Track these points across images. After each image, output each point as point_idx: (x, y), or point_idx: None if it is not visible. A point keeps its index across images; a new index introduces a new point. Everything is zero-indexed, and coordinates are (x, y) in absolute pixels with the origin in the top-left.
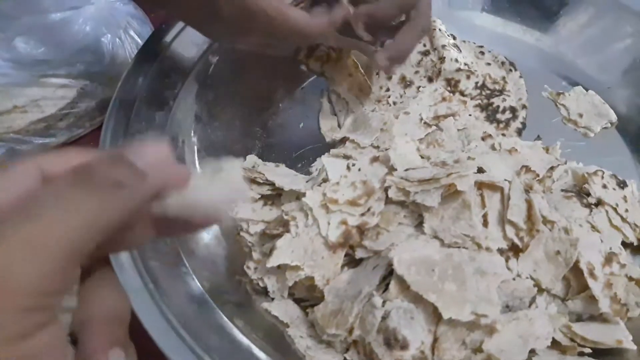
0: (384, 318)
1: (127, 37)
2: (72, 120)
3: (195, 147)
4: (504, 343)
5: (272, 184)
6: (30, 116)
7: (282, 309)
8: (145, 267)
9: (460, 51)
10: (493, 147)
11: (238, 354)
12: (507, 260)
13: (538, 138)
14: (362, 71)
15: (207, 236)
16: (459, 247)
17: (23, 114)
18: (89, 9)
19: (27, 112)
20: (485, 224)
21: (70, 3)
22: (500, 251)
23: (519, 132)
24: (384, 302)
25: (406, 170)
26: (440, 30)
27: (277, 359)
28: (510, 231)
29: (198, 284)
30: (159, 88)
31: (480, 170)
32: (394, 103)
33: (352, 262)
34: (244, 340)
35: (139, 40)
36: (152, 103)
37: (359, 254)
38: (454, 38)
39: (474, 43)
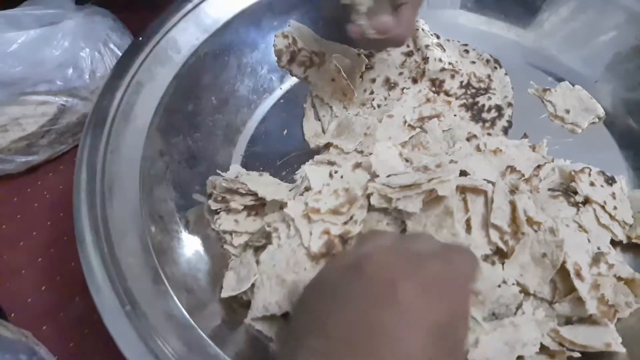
0: None
1: (107, 50)
2: (53, 137)
3: (175, 161)
4: (490, 351)
5: (255, 194)
6: (11, 135)
7: (266, 323)
8: (122, 287)
9: (445, 50)
10: (478, 148)
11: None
12: (492, 265)
13: (525, 136)
14: (345, 75)
15: (188, 252)
16: None
17: (4, 132)
18: (68, 24)
19: (7, 131)
20: (468, 229)
21: (48, 19)
22: (485, 256)
23: (505, 131)
24: None
25: (388, 176)
26: (423, 30)
27: None
28: (494, 235)
29: (177, 302)
30: (136, 101)
31: (463, 173)
32: (379, 106)
33: None
34: (226, 358)
35: (119, 53)
36: (129, 117)
37: None
38: (438, 37)
39: (458, 41)
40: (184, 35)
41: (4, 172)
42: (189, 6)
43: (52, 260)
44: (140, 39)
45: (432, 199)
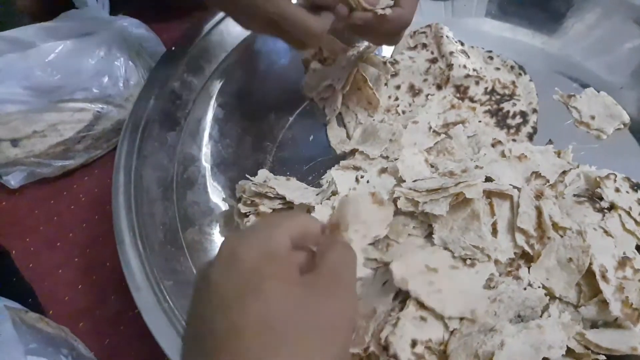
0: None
1: (140, 59)
2: (89, 143)
3: (207, 165)
4: (516, 353)
5: (282, 197)
6: (49, 140)
7: None
8: (160, 286)
9: (469, 57)
10: (503, 154)
11: None
12: (517, 269)
13: (549, 142)
14: (371, 84)
15: None
16: (469, 259)
17: (43, 138)
18: (103, 34)
19: (46, 137)
20: (494, 232)
21: (84, 30)
22: (511, 260)
23: (530, 137)
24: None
25: (414, 181)
26: (447, 37)
27: None
28: (520, 239)
29: None
30: (170, 109)
31: (488, 179)
32: (403, 112)
33: None
34: None
35: (152, 62)
36: (163, 124)
37: (368, 265)
38: (462, 44)
39: (482, 48)
40: (214, 45)
41: (41, 175)
42: (219, 16)
43: (88, 260)
44: (173, 48)
45: (459, 203)
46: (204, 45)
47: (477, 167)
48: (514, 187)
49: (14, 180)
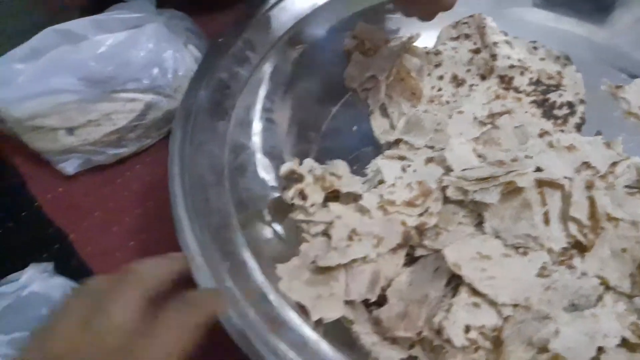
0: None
1: (187, 51)
2: (141, 132)
3: (256, 154)
4: (570, 341)
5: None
6: (103, 129)
7: (347, 308)
8: (217, 268)
9: (513, 47)
10: (551, 144)
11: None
12: (570, 259)
13: (598, 133)
14: (414, 75)
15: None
16: (522, 248)
17: (97, 127)
18: (151, 27)
19: (100, 125)
20: (546, 222)
21: (132, 22)
22: (564, 250)
23: (578, 128)
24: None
25: (463, 170)
26: (491, 27)
27: (344, 354)
28: (573, 228)
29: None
30: (219, 98)
31: (537, 169)
32: (447, 102)
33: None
34: (313, 335)
35: (197, 54)
36: (213, 113)
37: (419, 252)
38: (505, 34)
39: (526, 39)
40: (259, 36)
41: (96, 163)
42: (264, 8)
43: (143, 245)
44: (220, 40)
45: (510, 192)
46: (249, 37)
47: (527, 156)
48: (565, 177)
49: (69, 167)
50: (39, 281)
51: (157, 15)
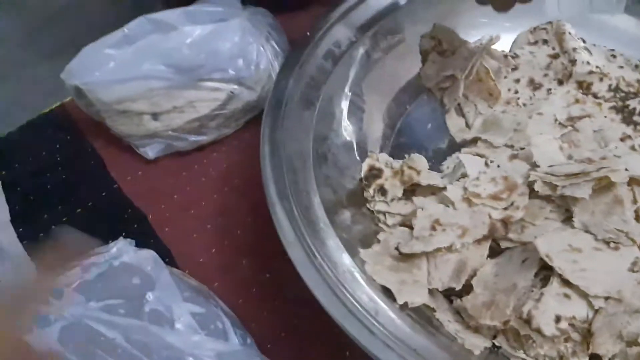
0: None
1: (268, 46)
2: (221, 121)
3: (338, 144)
4: None
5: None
6: (186, 116)
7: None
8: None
9: (591, 54)
10: (633, 148)
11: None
12: None
13: None
14: (493, 76)
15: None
16: (613, 243)
17: (180, 113)
18: (236, 21)
19: (184, 112)
20: (637, 219)
21: (219, 16)
22: None
23: None
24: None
25: (550, 166)
26: (570, 33)
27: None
28: None
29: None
30: (305, 90)
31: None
32: (524, 105)
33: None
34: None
35: (278, 49)
36: (299, 103)
37: (504, 245)
38: (584, 41)
39: (605, 47)
40: (342, 32)
41: (176, 148)
42: (346, 6)
43: (220, 228)
44: (308, 34)
45: (600, 188)
46: (333, 32)
47: (615, 156)
48: None
49: (151, 151)
50: (129, 252)
51: (242, 10)
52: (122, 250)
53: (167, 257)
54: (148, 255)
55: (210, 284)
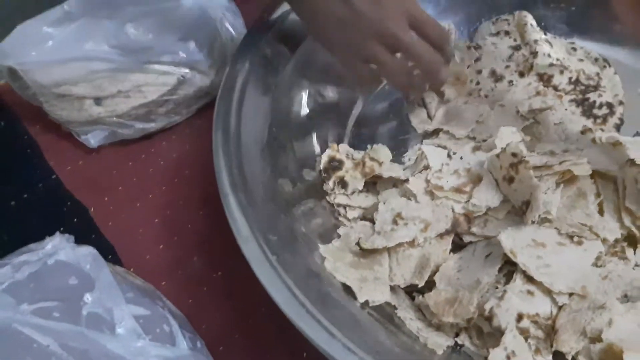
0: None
1: (223, 28)
2: (171, 107)
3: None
4: (624, 332)
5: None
6: (132, 101)
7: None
8: (265, 239)
9: (552, 47)
10: (594, 141)
11: (359, 326)
12: (622, 251)
13: (637, 134)
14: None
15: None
16: (577, 237)
17: (126, 98)
18: (188, 1)
19: (130, 97)
20: (600, 212)
21: None
22: (615, 241)
23: (617, 128)
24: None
25: None
26: (531, 25)
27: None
28: (627, 219)
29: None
30: (262, 74)
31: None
32: (485, 96)
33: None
34: (363, 314)
35: (233, 32)
36: (256, 88)
37: (467, 239)
38: (545, 33)
39: (564, 39)
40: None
41: (121, 136)
42: None
43: (169, 222)
44: (264, 15)
45: (564, 181)
46: (292, 17)
47: (577, 149)
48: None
49: (93, 139)
50: (66, 249)
51: None
52: (58, 247)
53: (111, 254)
54: (87, 252)
55: (157, 283)
